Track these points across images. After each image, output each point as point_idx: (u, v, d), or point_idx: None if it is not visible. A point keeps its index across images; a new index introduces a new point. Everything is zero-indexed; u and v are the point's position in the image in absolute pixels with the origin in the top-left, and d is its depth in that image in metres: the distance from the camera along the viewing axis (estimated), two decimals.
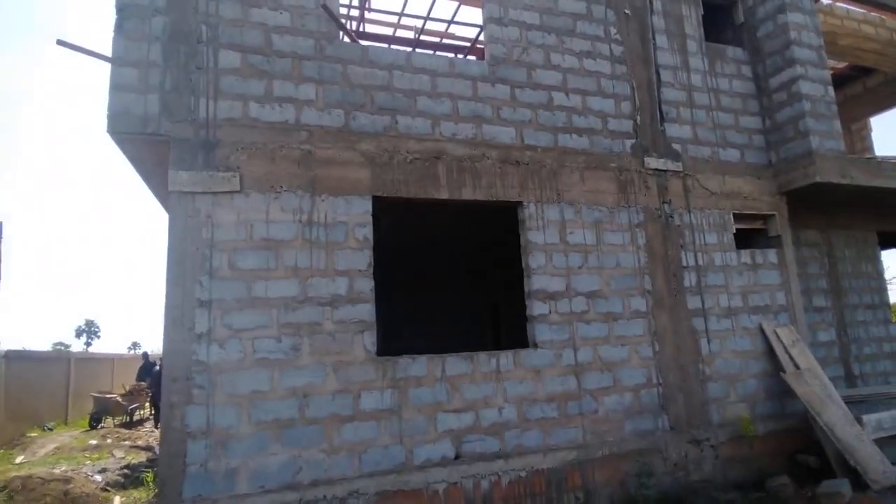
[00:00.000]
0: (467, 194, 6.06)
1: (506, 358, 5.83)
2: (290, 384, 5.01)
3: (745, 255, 7.53)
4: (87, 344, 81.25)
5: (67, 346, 64.45)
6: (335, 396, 5.13)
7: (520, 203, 6.28)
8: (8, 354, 11.71)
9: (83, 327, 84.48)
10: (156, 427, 13.62)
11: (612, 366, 6.31)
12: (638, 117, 7.19)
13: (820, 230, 9.43)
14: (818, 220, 9.31)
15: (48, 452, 10.06)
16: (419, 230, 9.61)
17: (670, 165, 7.20)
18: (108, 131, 4.95)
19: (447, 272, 12.63)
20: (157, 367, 15.39)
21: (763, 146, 8.11)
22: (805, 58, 8.25)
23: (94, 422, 13.68)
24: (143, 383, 15.67)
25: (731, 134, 7.94)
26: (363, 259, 5.49)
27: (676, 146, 7.39)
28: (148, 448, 10.50)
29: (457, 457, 5.43)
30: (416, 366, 5.49)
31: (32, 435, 11.96)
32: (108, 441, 11.53)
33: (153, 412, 14.87)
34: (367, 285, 5.45)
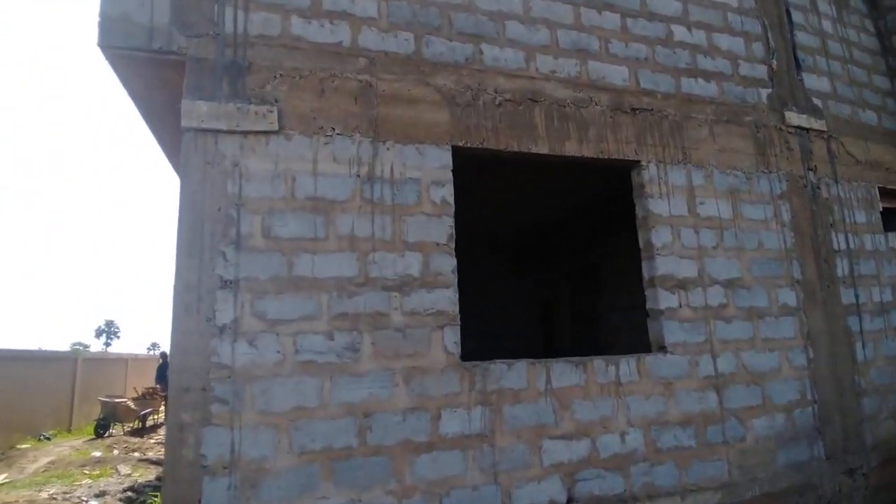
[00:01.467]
0: (571, 149, 4.60)
1: (627, 365, 4.34)
2: (345, 398, 3.58)
3: (894, 238, 5.99)
4: (107, 344, 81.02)
5: (87, 347, 63.97)
6: (407, 415, 3.69)
7: (637, 162, 4.80)
8: None
9: (103, 327, 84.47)
10: None
11: (760, 377, 4.79)
12: (773, 62, 5.68)
13: None
14: None
15: (40, 468, 8.73)
16: (467, 201, 8.15)
17: (813, 123, 5.68)
18: (100, 45, 3.58)
19: (488, 260, 10.95)
20: None
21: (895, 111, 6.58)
22: None
23: (101, 429, 12.37)
24: (157, 387, 14.41)
25: (867, 93, 6.43)
26: (442, 229, 4.05)
27: (816, 101, 5.87)
28: (158, 462, 9.15)
29: (569, 501, 3.95)
30: (513, 374, 4.02)
31: (24, 447, 10.60)
32: (115, 452, 10.22)
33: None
34: (447, 264, 4.01)
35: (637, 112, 4.87)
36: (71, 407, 13.18)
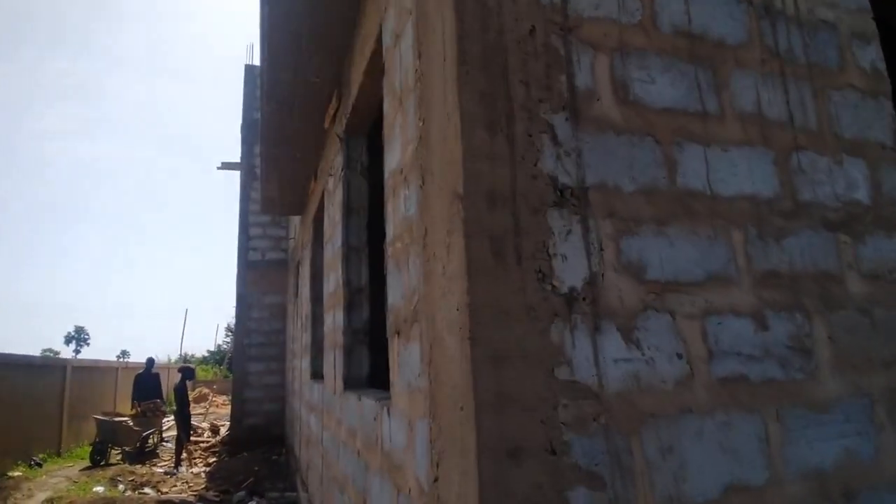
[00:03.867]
0: None
1: None
2: (807, 458, 1.61)
3: None
4: (76, 351, 76.77)
5: (57, 353, 60.17)
6: None
7: None
8: None
9: (73, 334, 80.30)
10: (177, 465, 9.95)
11: None
12: None
13: None
14: None
15: None
16: None
17: None
18: None
19: None
20: (180, 379, 11.85)
21: None
22: None
23: (98, 455, 10.00)
24: (157, 402, 12.01)
25: None
26: (880, 118, 2.12)
27: None
28: None
29: None
30: None
31: (15, 474, 8.28)
32: (120, 487, 8.00)
33: (179, 440, 11.13)
34: None
35: None
36: (61, 425, 10.77)
